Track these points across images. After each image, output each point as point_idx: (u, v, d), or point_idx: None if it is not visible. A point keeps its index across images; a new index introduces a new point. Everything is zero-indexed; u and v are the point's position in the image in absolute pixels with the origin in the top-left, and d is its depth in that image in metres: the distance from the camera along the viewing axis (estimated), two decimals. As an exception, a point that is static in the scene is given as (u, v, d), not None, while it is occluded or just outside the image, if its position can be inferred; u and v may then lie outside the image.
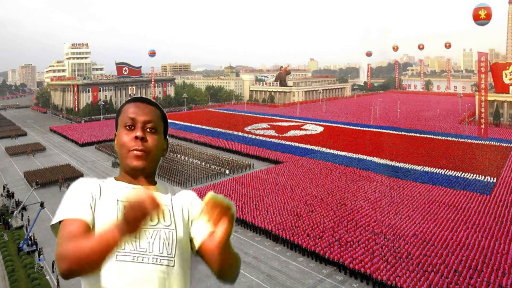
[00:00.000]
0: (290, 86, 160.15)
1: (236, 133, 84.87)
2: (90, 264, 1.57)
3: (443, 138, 73.83)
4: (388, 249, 31.04)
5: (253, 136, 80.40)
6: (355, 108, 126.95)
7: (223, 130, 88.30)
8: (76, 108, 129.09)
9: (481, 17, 70.87)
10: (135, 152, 1.97)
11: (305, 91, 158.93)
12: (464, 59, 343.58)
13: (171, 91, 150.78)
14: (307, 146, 69.98)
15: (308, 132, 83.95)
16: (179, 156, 66.75)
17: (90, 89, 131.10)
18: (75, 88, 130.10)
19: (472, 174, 50.87)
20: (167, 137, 2.16)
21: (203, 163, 61.11)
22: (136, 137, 1.97)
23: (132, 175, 2.02)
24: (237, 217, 39.52)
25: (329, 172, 54.13)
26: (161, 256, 1.87)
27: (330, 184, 48.73)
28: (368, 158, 60.84)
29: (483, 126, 69.20)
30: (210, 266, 1.90)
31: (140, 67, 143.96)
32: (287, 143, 73.43)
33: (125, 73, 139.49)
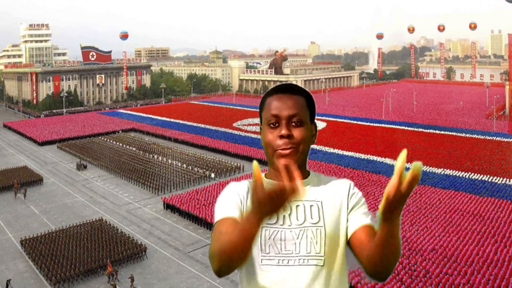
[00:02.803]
0: (287, 75, 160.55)
1: (223, 129, 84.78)
2: (233, 257, 1.79)
3: (468, 135, 74.16)
4: (403, 266, 31.04)
5: (243, 133, 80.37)
6: (364, 100, 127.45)
7: (207, 126, 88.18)
8: (35, 100, 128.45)
9: (512, -7, 71.10)
10: (282, 151, 2.17)
11: (305, 80, 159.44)
12: (492, 42, 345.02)
13: (146, 80, 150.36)
14: (308, 145, 69.84)
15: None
16: (155, 157, 66.49)
17: (51, 77, 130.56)
18: (34, 77, 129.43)
19: (501, 178, 51.02)
20: (315, 120, 2.31)
21: (184, 165, 60.91)
22: (282, 136, 2.17)
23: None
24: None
25: (333, 176, 54.08)
26: (308, 256, 2.05)
27: (335, 189, 48.66)
28: (379, 159, 60.98)
29: (514, 121, 69.52)
30: (361, 259, 2.04)
31: (110, 52, 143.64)
32: (284, 141, 73.28)
33: (92, 59, 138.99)
